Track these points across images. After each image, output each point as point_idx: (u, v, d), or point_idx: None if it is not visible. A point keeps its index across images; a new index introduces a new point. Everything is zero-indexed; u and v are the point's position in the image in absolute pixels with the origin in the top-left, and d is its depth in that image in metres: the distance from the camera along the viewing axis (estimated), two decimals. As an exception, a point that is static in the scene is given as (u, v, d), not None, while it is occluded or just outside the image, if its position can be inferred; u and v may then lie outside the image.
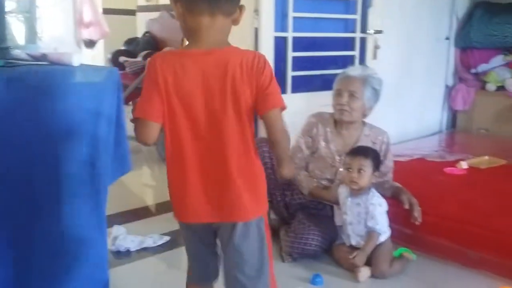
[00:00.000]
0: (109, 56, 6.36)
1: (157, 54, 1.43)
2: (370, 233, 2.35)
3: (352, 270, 2.34)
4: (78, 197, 1.75)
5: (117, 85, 1.83)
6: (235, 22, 1.45)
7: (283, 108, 1.43)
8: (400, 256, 2.41)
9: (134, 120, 1.42)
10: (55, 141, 1.67)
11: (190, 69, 1.37)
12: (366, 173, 2.36)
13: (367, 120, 2.73)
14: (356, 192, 2.40)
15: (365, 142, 2.64)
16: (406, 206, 2.48)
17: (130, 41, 7.19)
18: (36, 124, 1.64)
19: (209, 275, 1.63)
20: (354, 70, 2.66)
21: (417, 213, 2.45)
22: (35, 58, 1.87)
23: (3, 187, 1.61)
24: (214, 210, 1.46)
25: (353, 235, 2.41)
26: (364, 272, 2.29)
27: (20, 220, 1.66)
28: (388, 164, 2.67)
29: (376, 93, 2.62)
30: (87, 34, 2.60)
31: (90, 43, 2.62)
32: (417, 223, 2.45)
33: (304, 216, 2.57)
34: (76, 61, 1.79)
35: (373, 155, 2.42)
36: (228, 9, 1.40)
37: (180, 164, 1.43)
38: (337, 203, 2.49)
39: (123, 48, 6.96)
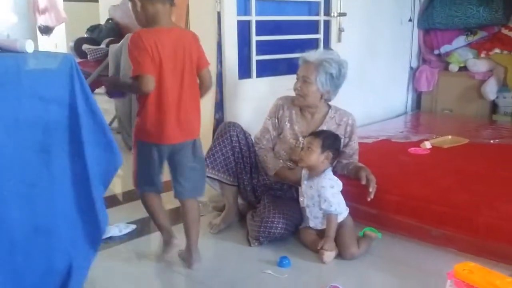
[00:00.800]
0: (72, 44, 6.22)
1: (138, 31, 2.06)
2: (327, 216, 2.38)
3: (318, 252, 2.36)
4: (35, 186, 1.71)
5: (74, 71, 1.77)
6: (173, 10, 2.13)
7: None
8: (365, 235, 2.44)
9: (136, 77, 2.03)
10: (8, 129, 1.62)
11: (164, 41, 2.04)
12: (314, 152, 2.39)
13: (333, 102, 2.76)
14: (311, 174, 2.44)
15: (330, 124, 2.66)
16: (363, 182, 2.50)
17: (93, 29, 7.03)
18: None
19: (161, 186, 2.31)
20: (311, 55, 2.65)
21: (372, 189, 2.47)
22: (-15, 45, 1.80)
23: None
24: (183, 133, 2.15)
25: (311, 217, 2.45)
26: (329, 253, 2.31)
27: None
28: (353, 146, 2.70)
29: (332, 78, 2.59)
30: (42, 20, 2.51)
31: (47, 30, 2.53)
32: (368, 199, 2.47)
33: (269, 200, 2.58)
34: (29, 47, 1.74)
35: (324, 136, 2.45)
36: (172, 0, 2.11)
37: (161, 103, 2.07)
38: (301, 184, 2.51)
39: (86, 35, 6.83)
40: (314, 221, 2.44)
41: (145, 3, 2.03)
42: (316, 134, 2.49)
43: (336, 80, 2.61)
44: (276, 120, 2.73)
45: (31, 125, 1.68)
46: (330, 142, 2.44)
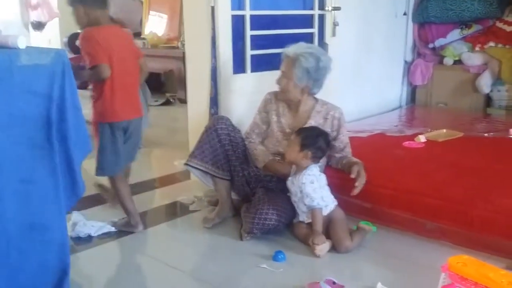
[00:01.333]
0: (65, 39, 6.19)
1: (89, 29, 2.41)
2: (312, 211, 2.40)
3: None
4: (29, 182, 1.71)
5: (65, 67, 1.77)
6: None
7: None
8: (358, 228, 2.45)
9: (93, 67, 2.36)
10: (1, 125, 1.62)
11: (111, 35, 2.47)
12: (292, 149, 2.43)
13: (327, 96, 2.76)
14: (297, 170, 2.47)
15: (316, 118, 2.66)
16: (352, 176, 2.50)
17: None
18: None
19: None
20: (290, 50, 2.64)
21: (358, 184, 2.47)
22: (-23, 41, 1.79)
23: None
24: (137, 110, 2.62)
25: (299, 212, 2.48)
26: (321, 247, 2.32)
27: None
28: (343, 139, 2.71)
29: (309, 72, 2.57)
30: (35, 16, 2.50)
31: (39, 25, 2.53)
32: (352, 193, 2.47)
33: (263, 192, 2.59)
34: (22, 43, 1.73)
35: (304, 135, 2.45)
36: (106, 5, 2.50)
37: (118, 86, 2.46)
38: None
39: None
40: (302, 216, 2.47)
41: (87, 9, 2.43)
42: (298, 132, 2.49)
43: (314, 74, 2.59)
44: (265, 114, 2.75)
45: (25, 121, 1.68)
46: (310, 141, 2.43)
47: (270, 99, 2.76)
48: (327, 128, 2.63)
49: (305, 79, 2.59)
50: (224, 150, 2.67)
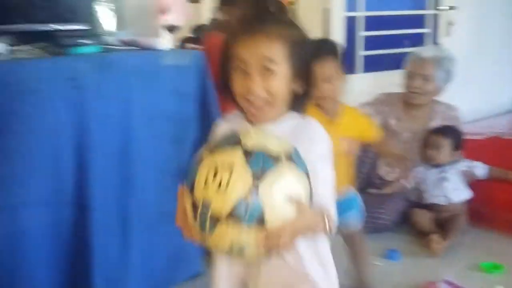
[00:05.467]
0: (178, 43, 6.50)
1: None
2: None
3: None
4: (167, 174, 1.81)
5: (202, 68, 1.90)
6: None
7: None
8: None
9: None
10: (150, 122, 1.76)
11: None
12: (445, 150, 2.46)
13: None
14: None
15: (437, 119, 2.64)
16: None
17: (198, 28, 7.30)
18: (130, 104, 1.72)
19: None
20: (427, 52, 2.65)
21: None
22: (125, 43, 1.98)
23: (103, 162, 1.69)
24: None
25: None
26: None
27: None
28: None
29: (449, 74, 2.62)
30: (169, 19, 2.69)
31: (172, 28, 2.71)
32: None
33: (374, 192, 2.62)
34: (163, 45, 1.88)
35: (453, 135, 2.49)
36: None
37: None
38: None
39: (191, 35, 7.09)
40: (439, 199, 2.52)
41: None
42: (442, 133, 2.49)
43: (451, 77, 2.64)
44: (374, 111, 2.70)
45: (167, 117, 1.81)
46: (458, 140, 2.51)
47: (384, 100, 2.73)
48: None
49: (444, 81, 2.63)
50: None
